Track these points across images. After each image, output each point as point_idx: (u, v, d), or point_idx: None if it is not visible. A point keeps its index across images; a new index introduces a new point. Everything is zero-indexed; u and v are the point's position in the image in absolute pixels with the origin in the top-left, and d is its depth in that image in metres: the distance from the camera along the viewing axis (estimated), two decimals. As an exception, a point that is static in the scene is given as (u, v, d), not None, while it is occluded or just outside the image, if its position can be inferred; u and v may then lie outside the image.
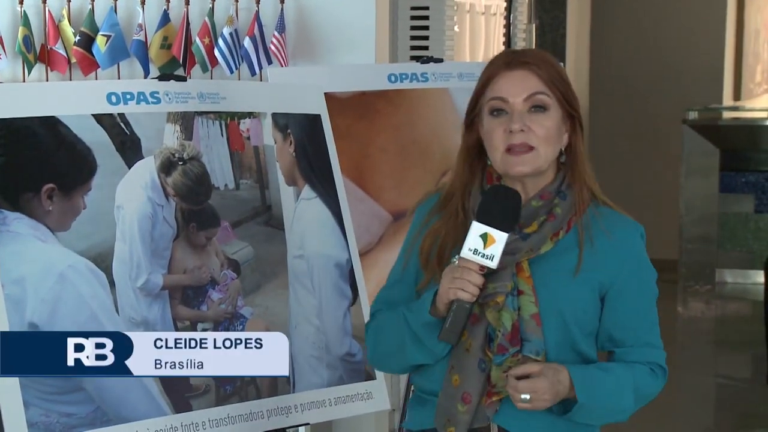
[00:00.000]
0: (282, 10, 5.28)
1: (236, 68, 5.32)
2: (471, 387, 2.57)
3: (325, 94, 3.84)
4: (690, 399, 6.79)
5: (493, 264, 2.49)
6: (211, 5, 5.34)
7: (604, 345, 2.67)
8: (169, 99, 3.41)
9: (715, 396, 7.05)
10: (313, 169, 3.71)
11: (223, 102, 3.53)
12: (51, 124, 3.19)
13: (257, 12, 5.30)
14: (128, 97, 3.32)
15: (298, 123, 3.72)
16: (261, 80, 5.18)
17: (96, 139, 3.24)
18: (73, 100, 3.26)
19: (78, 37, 5.42)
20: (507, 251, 2.52)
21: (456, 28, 6.08)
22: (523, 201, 2.58)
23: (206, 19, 5.33)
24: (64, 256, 3.13)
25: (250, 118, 3.59)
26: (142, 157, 3.34)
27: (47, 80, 5.44)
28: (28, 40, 5.44)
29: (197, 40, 5.32)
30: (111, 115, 3.28)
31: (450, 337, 2.52)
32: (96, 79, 5.35)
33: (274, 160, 3.63)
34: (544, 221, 2.61)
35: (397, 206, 4.09)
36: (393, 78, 4.18)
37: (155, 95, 3.39)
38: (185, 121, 3.44)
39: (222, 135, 3.54)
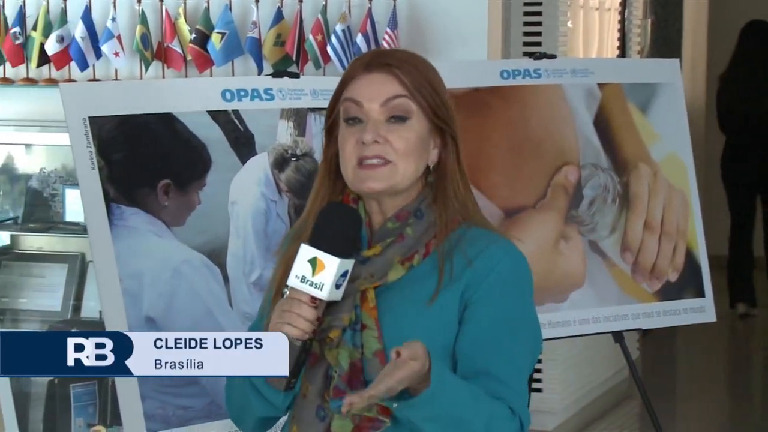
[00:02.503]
0: (394, 6, 5.29)
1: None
2: None
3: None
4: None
5: (324, 294, 2.14)
6: (324, 2, 5.37)
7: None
8: (283, 96, 3.44)
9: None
10: (425, 165, 3.70)
11: (336, 99, 3.54)
12: (167, 120, 3.23)
13: (370, 9, 5.31)
14: (242, 93, 3.35)
15: (410, 119, 3.71)
16: (373, 77, 5.18)
17: (211, 135, 3.28)
18: (188, 97, 3.30)
19: (193, 35, 5.50)
20: (349, 278, 2.19)
21: (569, 24, 6.03)
22: (379, 222, 2.28)
23: (319, 16, 5.36)
24: (180, 251, 3.17)
25: (362, 114, 3.60)
26: (256, 154, 3.37)
27: (164, 77, 5.53)
28: (145, 38, 5.53)
29: (310, 37, 5.35)
30: (225, 111, 3.32)
31: (279, 381, 2.18)
32: (211, 76, 5.42)
33: (386, 156, 3.63)
34: (391, 243, 2.25)
35: (510, 203, 4.07)
36: (505, 74, 4.15)
37: (269, 92, 3.41)
38: (298, 118, 3.47)
39: (334, 131, 3.55)
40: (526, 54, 5.52)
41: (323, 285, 2.14)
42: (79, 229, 5.13)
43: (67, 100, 3.05)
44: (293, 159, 3.44)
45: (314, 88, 3.52)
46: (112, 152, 3.11)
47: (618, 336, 4.29)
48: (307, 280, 2.14)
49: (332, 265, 2.14)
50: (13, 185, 5.67)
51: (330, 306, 2.19)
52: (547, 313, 4.07)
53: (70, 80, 5.64)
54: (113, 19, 5.54)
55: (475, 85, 4.07)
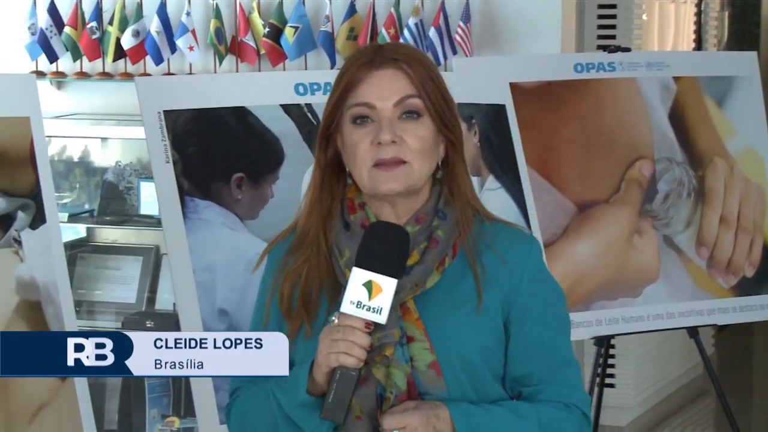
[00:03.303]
0: (467, 0, 5.27)
1: (421, 59, 5.32)
2: None
3: (510, 84, 3.81)
4: None
5: (382, 318, 2.04)
6: (397, -4, 5.37)
7: (511, 386, 2.19)
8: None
9: None
10: (497, 159, 3.69)
11: (409, 92, 3.54)
12: (241, 114, 3.25)
13: (443, 2, 5.30)
14: (315, 87, 3.36)
15: (483, 113, 3.70)
16: (446, 70, 5.18)
17: (284, 129, 3.29)
18: (262, 91, 3.31)
19: (267, 29, 5.52)
20: None
21: (644, 17, 5.97)
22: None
23: (392, 10, 5.36)
24: (253, 245, 3.18)
25: (435, 108, 3.59)
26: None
27: (237, 71, 5.56)
28: (219, 33, 5.57)
29: (383, 30, 5.36)
30: (298, 105, 3.33)
31: (335, 415, 2.05)
32: (284, 69, 5.44)
33: (459, 150, 3.62)
34: (426, 249, 2.15)
35: (583, 197, 4.05)
36: (579, 68, 4.12)
37: (342, 86, 3.41)
38: (371, 112, 3.46)
39: (407, 125, 3.54)
40: (600, 47, 5.48)
41: (382, 309, 2.04)
42: (153, 222, 5.18)
43: (142, 94, 3.08)
44: (365, 153, 3.44)
45: (387, 81, 3.51)
46: (186, 146, 3.13)
47: (693, 332, 4.26)
48: (364, 305, 2.04)
49: (390, 287, 2.04)
50: (89, 178, 5.75)
51: (381, 326, 2.08)
52: (620, 308, 4.05)
53: (145, 74, 5.70)
54: (188, 14, 5.59)
55: (548, 79, 4.05)
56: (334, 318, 2.06)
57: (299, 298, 2.17)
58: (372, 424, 2.09)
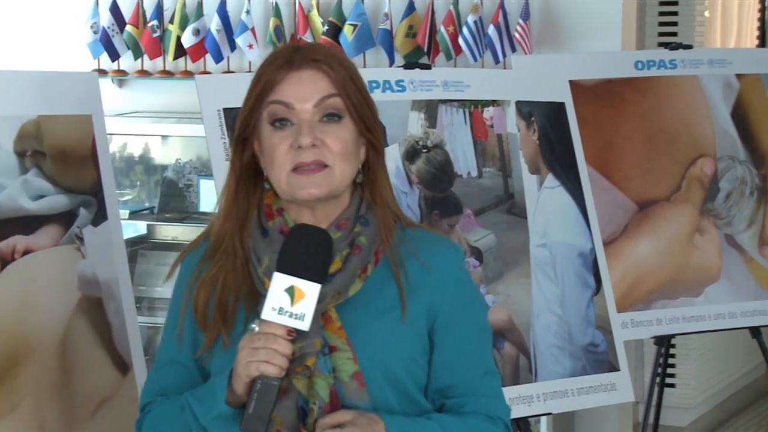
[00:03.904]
0: (527, -3, 5.26)
1: (480, 56, 5.32)
2: None
3: (569, 81, 3.80)
4: None
5: (305, 325, 1.95)
6: (456, -6, 5.37)
7: (433, 398, 2.12)
8: (414, 87, 3.44)
9: None
10: (556, 157, 3.68)
11: (467, 90, 3.53)
12: (300, 112, 3.25)
13: (502, 0, 5.29)
14: (374, 85, 3.36)
15: (542, 111, 3.69)
16: (505, 68, 5.17)
17: (343, 126, 3.29)
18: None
19: (326, 27, 5.54)
20: None
21: (707, 13, 5.92)
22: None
23: (451, 7, 5.36)
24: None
25: (493, 106, 3.59)
26: (387, 145, 3.38)
27: (296, 70, 5.57)
28: (278, 31, 5.59)
29: (442, 28, 5.35)
30: (357, 103, 3.33)
31: (256, 427, 1.94)
32: (343, 68, 5.44)
33: (518, 148, 3.61)
34: (348, 255, 2.06)
35: (643, 196, 4.02)
36: (640, 65, 4.10)
37: (400, 83, 3.42)
38: (429, 109, 3.46)
39: (465, 123, 3.54)
40: (661, 44, 5.44)
41: (305, 315, 1.95)
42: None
43: (202, 92, 3.09)
44: (424, 150, 3.44)
45: (445, 79, 3.51)
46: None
47: (755, 332, 4.21)
48: (286, 312, 1.94)
49: (313, 292, 1.95)
50: (150, 176, 5.79)
51: (303, 333, 1.99)
52: (681, 308, 4.02)
53: (205, 72, 5.74)
54: (247, 12, 5.61)
55: (609, 77, 4.02)
56: (254, 326, 1.97)
57: (215, 307, 2.08)
58: None
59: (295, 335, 1.95)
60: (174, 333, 2.14)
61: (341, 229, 2.09)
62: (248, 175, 2.13)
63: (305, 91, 2.06)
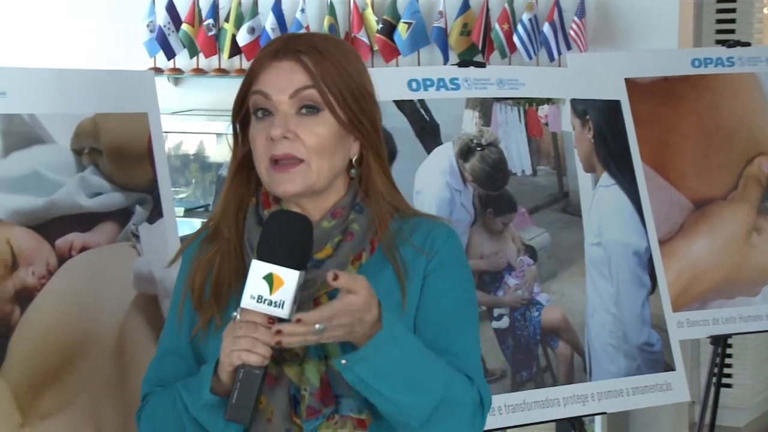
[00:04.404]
0: (583, -6, 5.23)
1: (535, 54, 5.31)
2: None
3: (625, 79, 3.77)
4: None
5: (285, 313, 1.90)
6: (511, -9, 5.36)
7: None
8: (468, 85, 3.43)
9: None
10: (612, 155, 3.66)
11: (522, 88, 3.52)
12: (354, 110, 3.26)
13: (557, -3, 5.27)
14: (428, 83, 3.36)
15: (598, 109, 3.67)
16: (560, 66, 5.15)
17: (396, 124, 3.29)
18: (375, 87, 3.32)
19: (380, 25, 5.54)
20: (301, 286, 1.96)
21: (765, 11, 5.86)
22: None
23: (506, 5, 5.34)
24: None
25: (548, 104, 3.57)
26: (441, 143, 3.38)
27: (351, 68, 5.58)
28: (333, 29, 5.60)
29: (496, 26, 5.34)
30: (411, 101, 3.33)
31: (239, 416, 1.92)
32: (397, 65, 5.45)
33: (572, 146, 3.60)
34: (340, 242, 2.05)
35: (700, 194, 3.99)
36: (697, 63, 4.07)
37: (455, 81, 3.41)
38: (484, 108, 3.46)
39: (520, 121, 3.53)
40: (718, 42, 5.40)
41: (284, 302, 1.90)
42: (267, 216, 5.23)
43: (256, 90, 3.10)
44: (478, 149, 3.43)
45: (500, 77, 3.50)
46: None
47: (813, 332, 4.17)
48: (265, 300, 1.90)
49: (292, 279, 1.91)
50: (204, 173, 5.82)
51: (284, 321, 1.93)
52: (737, 307, 3.99)
53: (260, 71, 5.75)
54: (302, 11, 5.63)
55: (665, 74, 4.00)
56: (236, 314, 1.93)
57: (211, 289, 2.08)
58: (285, 426, 2.00)
59: (275, 323, 1.90)
60: (174, 322, 2.14)
61: (336, 217, 2.07)
62: (247, 164, 2.11)
63: (282, 82, 2.03)
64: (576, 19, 5.24)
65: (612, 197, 3.62)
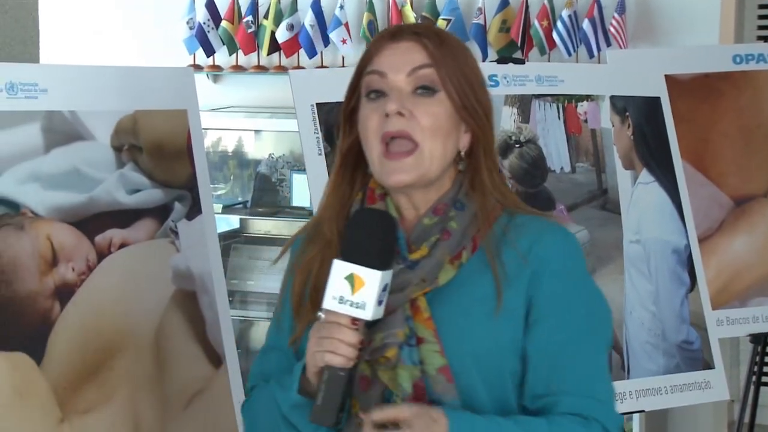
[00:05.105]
0: (622, -10, 5.21)
1: (574, 51, 5.29)
2: None
3: (665, 76, 3.75)
4: None
5: (367, 314, 1.86)
6: (550, -12, 5.34)
7: (530, 398, 1.97)
8: (507, 82, 3.42)
9: None
10: (651, 152, 3.64)
11: (561, 85, 3.51)
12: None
13: (597, -6, 5.25)
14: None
15: (637, 106, 3.65)
16: (599, 62, 5.13)
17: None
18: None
19: (419, 22, 5.53)
20: (394, 287, 1.91)
21: (806, 6, 5.81)
22: (413, 218, 2.00)
23: (545, 1, 5.33)
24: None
25: (587, 100, 3.56)
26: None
27: (389, 64, 5.58)
28: (372, 25, 5.61)
29: (536, 23, 5.33)
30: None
31: (324, 417, 1.88)
32: (436, 62, 5.44)
33: (612, 143, 3.58)
34: (437, 241, 1.97)
35: (740, 192, 3.97)
36: (738, 59, 4.04)
37: (493, 78, 3.40)
38: (522, 104, 3.45)
39: (559, 118, 3.52)
40: (760, 38, 5.36)
41: (365, 304, 1.86)
42: (305, 213, 5.25)
43: (296, 87, 3.11)
44: (517, 145, 3.42)
45: (539, 74, 3.49)
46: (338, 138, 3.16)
47: None
48: (347, 300, 1.87)
49: (374, 280, 1.86)
50: (243, 170, 5.84)
51: (378, 322, 1.91)
52: (777, 307, 3.96)
53: (298, 67, 5.77)
54: (341, 7, 5.63)
55: (706, 71, 3.97)
56: (321, 314, 1.90)
57: (310, 295, 2.01)
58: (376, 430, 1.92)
59: (359, 324, 1.87)
60: (275, 318, 2.12)
61: (438, 214, 2.00)
62: (353, 158, 2.06)
63: (399, 61, 1.99)
64: (616, 15, 5.22)
65: (651, 194, 3.61)
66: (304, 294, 2.03)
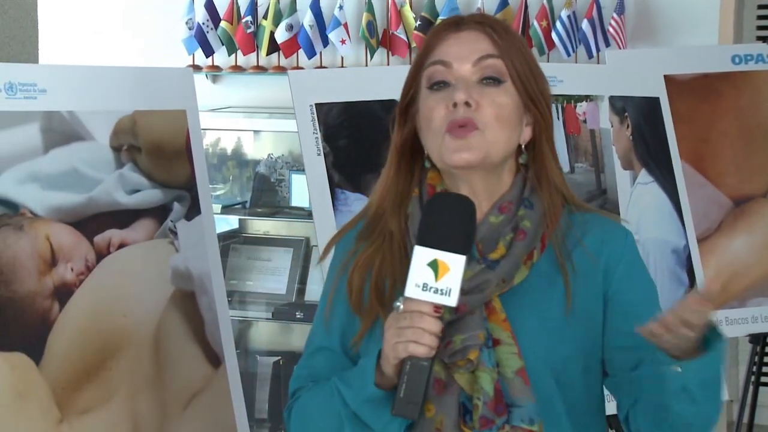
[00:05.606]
0: (621, -9, 5.21)
1: (573, 51, 5.28)
2: None
3: (664, 76, 3.75)
4: None
5: (452, 300, 1.82)
6: (549, -12, 5.34)
7: (620, 360, 1.97)
8: (506, 82, 3.42)
9: None
10: (650, 152, 3.64)
11: (560, 85, 3.51)
12: (391, 107, 3.25)
13: (596, -6, 5.25)
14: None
15: (636, 106, 3.66)
16: (598, 63, 5.13)
17: (434, 122, 3.29)
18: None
19: (419, 22, 5.53)
20: (473, 288, 1.89)
21: (806, 7, 5.81)
22: (478, 215, 1.92)
23: (544, 2, 5.32)
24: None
25: (587, 101, 3.56)
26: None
27: (388, 64, 5.59)
28: (371, 26, 5.60)
29: (535, 23, 5.32)
30: (449, 98, 3.32)
31: (408, 410, 1.83)
32: (435, 63, 5.44)
33: (611, 143, 3.59)
34: (512, 240, 1.94)
35: (739, 192, 3.96)
36: (737, 59, 4.04)
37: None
38: (522, 105, 3.45)
39: (558, 118, 3.52)
40: (759, 38, 5.36)
41: (451, 290, 1.81)
42: (304, 213, 5.24)
43: (295, 87, 3.11)
44: (516, 146, 3.42)
45: (538, 74, 3.49)
46: (337, 138, 3.16)
47: None
48: (431, 287, 1.81)
49: (458, 265, 1.81)
50: (242, 170, 5.83)
51: (454, 323, 1.89)
52: (777, 307, 3.97)
53: (297, 68, 5.76)
54: (340, 8, 5.63)
55: (705, 71, 3.97)
56: (399, 304, 1.85)
57: (372, 290, 1.98)
58: None
59: (442, 312, 1.83)
60: (323, 317, 2.06)
61: (504, 212, 1.97)
62: (410, 151, 2.03)
63: (464, 51, 1.96)
64: (615, 15, 5.21)
65: (650, 194, 3.61)
66: (364, 291, 1.99)
